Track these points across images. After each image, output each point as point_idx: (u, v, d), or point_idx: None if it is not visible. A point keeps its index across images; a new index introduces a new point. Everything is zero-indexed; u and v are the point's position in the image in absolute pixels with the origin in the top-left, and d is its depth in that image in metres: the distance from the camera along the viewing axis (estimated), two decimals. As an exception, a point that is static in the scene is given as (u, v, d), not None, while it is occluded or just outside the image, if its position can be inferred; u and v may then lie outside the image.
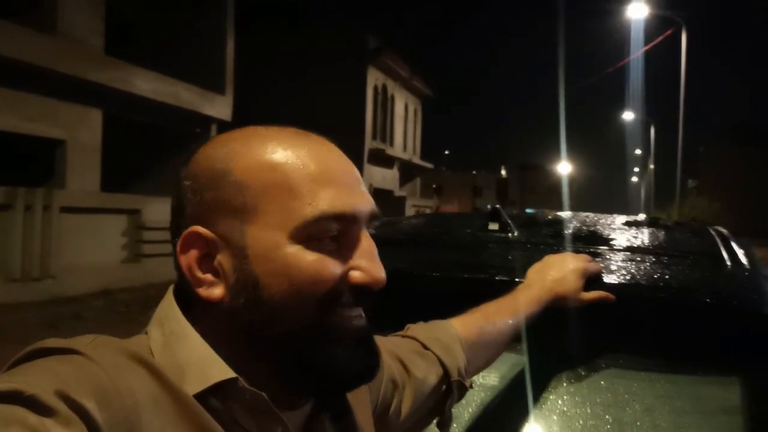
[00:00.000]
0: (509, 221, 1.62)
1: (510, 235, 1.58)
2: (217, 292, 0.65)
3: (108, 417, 0.52)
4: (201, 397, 0.62)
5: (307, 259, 0.64)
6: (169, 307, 0.68)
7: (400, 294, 1.36)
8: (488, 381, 1.24)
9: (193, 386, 0.62)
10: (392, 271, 1.35)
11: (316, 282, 0.64)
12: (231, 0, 15.71)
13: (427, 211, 26.85)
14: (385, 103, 26.58)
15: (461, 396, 1.03)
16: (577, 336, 1.21)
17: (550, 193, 61.98)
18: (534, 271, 1.23)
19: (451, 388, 1.00)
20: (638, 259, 1.37)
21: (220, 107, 15.31)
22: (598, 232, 1.66)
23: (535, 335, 1.16)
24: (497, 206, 1.66)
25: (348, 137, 22.99)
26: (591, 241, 1.53)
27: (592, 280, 1.21)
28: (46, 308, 9.08)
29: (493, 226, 1.61)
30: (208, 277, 0.65)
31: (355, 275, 0.66)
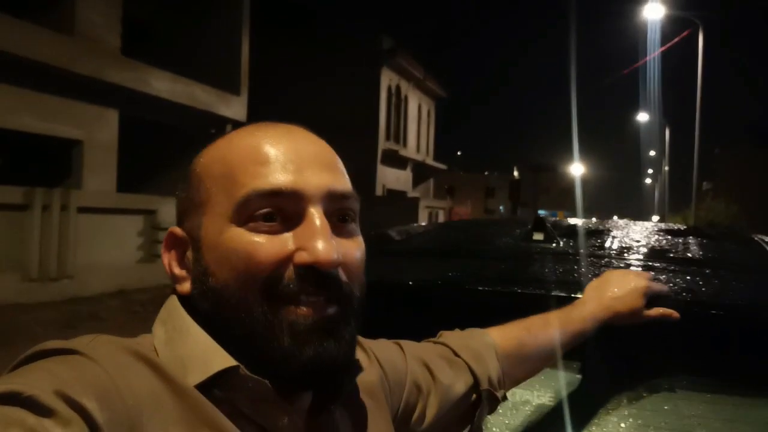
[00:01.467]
0: (554, 231, 1.57)
1: (555, 245, 1.53)
2: (186, 286, 0.67)
3: (109, 416, 0.52)
4: (204, 389, 0.61)
5: (244, 240, 0.62)
6: (171, 304, 0.68)
7: (446, 307, 1.32)
8: (543, 400, 1.19)
9: (195, 377, 0.61)
10: (439, 284, 1.32)
11: (252, 263, 0.62)
12: (246, 1, 15.73)
13: (441, 212, 26.76)
14: (398, 103, 26.55)
15: (493, 407, 1.00)
16: (638, 355, 1.16)
17: (563, 194, 61.69)
18: (592, 288, 1.19)
19: (481, 398, 0.97)
20: (696, 272, 1.32)
21: (235, 108, 15.33)
22: (645, 242, 1.61)
23: (594, 353, 1.11)
24: (541, 215, 1.61)
25: (361, 138, 23.04)
26: (640, 253, 1.48)
27: (655, 299, 1.15)
28: (63, 308, 9.12)
29: (538, 236, 1.55)
30: (182, 273, 0.68)
31: (298, 255, 0.62)
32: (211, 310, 0.64)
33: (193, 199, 0.67)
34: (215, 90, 14.52)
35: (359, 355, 0.80)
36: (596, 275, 1.24)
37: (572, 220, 1.95)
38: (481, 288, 1.29)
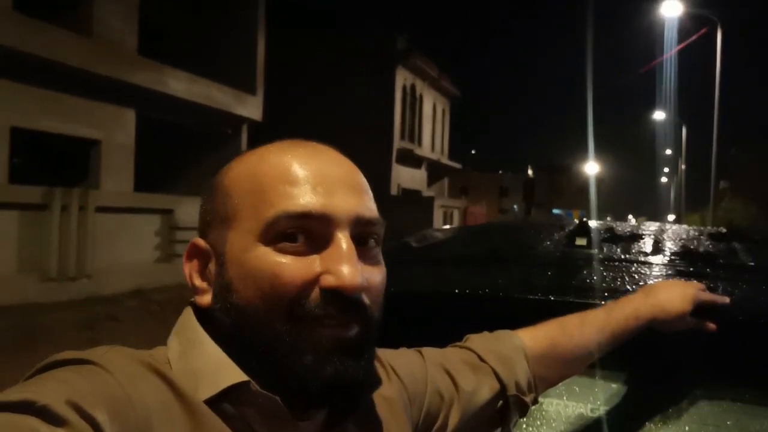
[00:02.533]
0: (594, 236, 1.54)
1: (598, 251, 1.50)
2: (207, 298, 0.67)
3: (120, 427, 0.52)
4: (215, 403, 0.61)
5: (271, 260, 0.63)
6: (186, 317, 0.69)
7: (490, 317, 1.29)
8: (580, 410, 1.17)
9: (206, 391, 0.61)
10: (483, 293, 1.28)
11: (278, 284, 0.62)
12: (262, 1, 15.77)
13: (456, 212, 26.70)
14: (413, 103, 26.53)
15: (523, 412, 0.97)
16: (682, 364, 1.13)
17: (578, 194, 61.36)
18: (640, 293, 1.15)
19: (509, 404, 0.94)
20: (744, 279, 1.28)
21: (251, 107, 15.39)
22: (688, 246, 1.57)
23: (635, 360, 1.08)
24: (584, 219, 1.57)
25: (376, 137, 23.05)
26: (685, 258, 1.44)
27: (702, 308, 1.12)
28: (82, 308, 9.18)
29: (581, 241, 1.52)
30: (204, 285, 0.68)
31: (324, 278, 0.63)
32: (231, 325, 0.64)
33: (219, 213, 0.67)
34: (231, 90, 14.58)
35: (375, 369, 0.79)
36: (646, 283, 1.21)
37: (595, 223, 1.90)
38: (531, 297, 1.26)
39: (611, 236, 1.63)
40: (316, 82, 23.02)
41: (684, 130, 39.76)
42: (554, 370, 1.03)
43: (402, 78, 24.76)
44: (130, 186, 12.09)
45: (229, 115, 14.65)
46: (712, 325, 1.10)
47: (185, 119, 13.78)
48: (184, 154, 14.60)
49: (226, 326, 0.64)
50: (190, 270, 0.69)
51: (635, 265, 1.38)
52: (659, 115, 40.82)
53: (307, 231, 0.64)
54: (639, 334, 1.06)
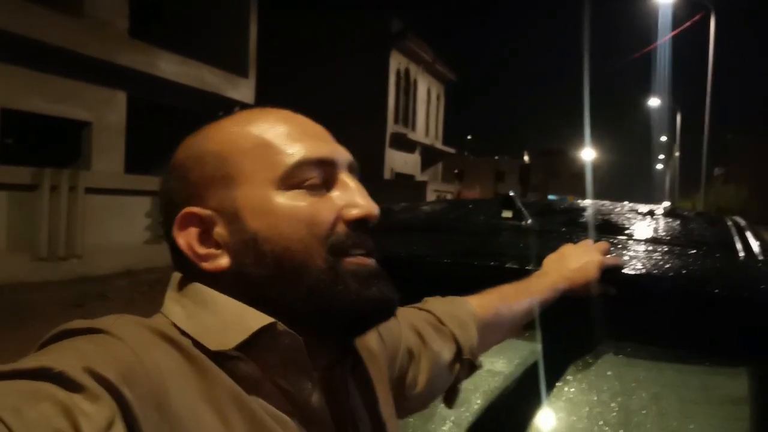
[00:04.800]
0: (523, 209, 1.63)
1: (524, 222, 1.59)
2: (223, 261, 0.67)
3: (136, 392, 0.53)
4: (230, 361, 0.62)
5: (300, 204, 0.67)
6: (184, 283, 0.69)
7: (414, 279, 1.38)
8: (495, 366, 1.26)
9: (232, 339, 0.62)
10: (407, 257, 1.38)
11: (313, 224, 0.67)
12: (254, -17, 15.69)
13: (449, 196, 26.79)
14: (407, 87, 26.46)
15: (470, 374, 1.04)
16: (585, 324, 1.22)
17: (574, 179, 61.41)
18: (551, 261, 1.25)
19: (463, 366, 1.01)
20: (650, 248, 1.38)
21: (244, 90, 15.36)
22: (613, 221, 1.67)
23: (544, 323, 1.17)
24: (511, 193, 1.66)
25: (370, 121, 23.02)
26: (604, 230, 1.54)
27: (608, 271, 1.22)
28: (72, 287, 9.24)
29: (507, 213, 1.61)
30: (212, 251, 0.67)
31: (351, 211, 0.69)
32: (265, 276, 0.66)
33: (216, 176, 0.68)
34: (223, 72, 14.54)
35: None
36: (554, 249, 1.30)
37: (553, 197, 1.99)
38: (446, 261, 1.36)
39: (542, 210, 1.72)
40: (310, 66, 22.93)
41: (678, 116, 39.77)
42: (493, 337, 1.11)
43: (396, 62, 24.68)
44: (121, 167, 12.09)
45: (221, 98, 14.62)
46: (612, 289, 1.21)
47: (177, 101, 13.76)
48: (175, 135, 14.32)
49: (255, 280, 0.66)
50: (186, 239, 0.67)
51: (551, 233, 1.47)
52: (654, 102, 40.80)
53: (321, 175, 0.69)
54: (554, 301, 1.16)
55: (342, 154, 0.72)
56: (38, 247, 9.71)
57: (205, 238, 0.68)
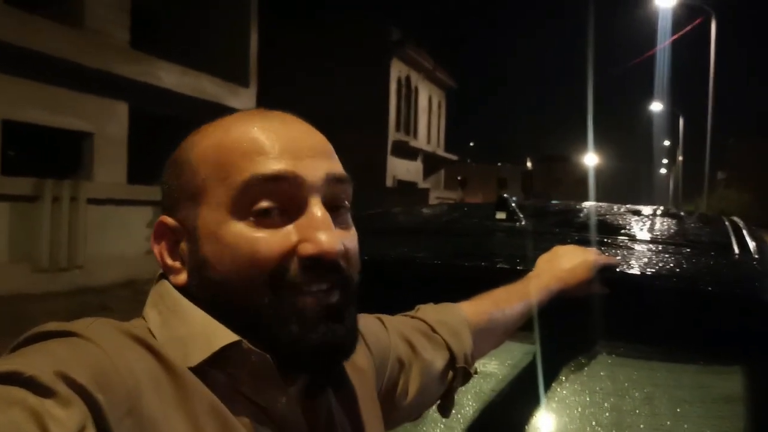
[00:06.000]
0: (517, 210, 1.62)
1: (517, 224, 1.58)
2: (182, 277, 0.66)
3: (108, 397, 0.52)
4: (203, 370, 0.61)
5: (247, 236, 0.62)
6: (162, 288, 0.68)
7: (406, 281, 1.37)
8: (487, 368, 1.25)
9: (198, 355, 0.61)
10: (398, 259, 1.37)
11: (256, 259, 0.62)
12: (254, -7, 15.77)
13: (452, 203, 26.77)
14: (408, 95, 26.52)
15: (464, 382, 1.02)
16: (578, 325, 1.21)
17: (577, 184, 61.34)
18: (543, 261, 1.23)
19: (456, 374, 0.99)
20: (644, 248, 1.36)
21: (244, 99, 15.40)
22: (607, 221, 1.65)
23: (538, 324, 1.16)
24: (504, 195, 1.65)
25: (371, 129, 23.06)
26: (599, 231, 1.53)
27: (600, 271, 1.21)
28: (73, 298, 9.25)
29: (500, 215, 1.60)
30: (176, 264, 0.67)
31: (305, 248, 0.63)
32: (211, 301, 0.64)
33: (187, 188, 0.66)
34: (224, 82, 14.59)
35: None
36: (547, 249, 1.29)
37: (553, 203, 1.99)
38: (436, 262, 1.35)
39: (536, 212, 1.71)
40: (311, 74, 23.00)
41: (681, 121, 39.74)
42: (488, 343, 1.10)
43: (397, 70, 24.75)
44: (122, 178, 12.13)
45: (223, 108, 14.66)
46: (606, 289, 1.20)
47: (178, 111, 13.79)
48: (176, 145, 14.60)
49: (206, 301, 0.64)
50: (160, 250, 0.67)
51: (544, 235, 1.46)
52: (656, 106, 40.80)
53: (279, 199, 0.63)
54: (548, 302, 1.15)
55: (312, 171, 0.65)
56: (40, 258, 9.72)
57: (174, 250, 0.67)
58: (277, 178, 0.63)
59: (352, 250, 0.68)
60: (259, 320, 0.62)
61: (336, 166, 0.68)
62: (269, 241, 0.62)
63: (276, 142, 0.65)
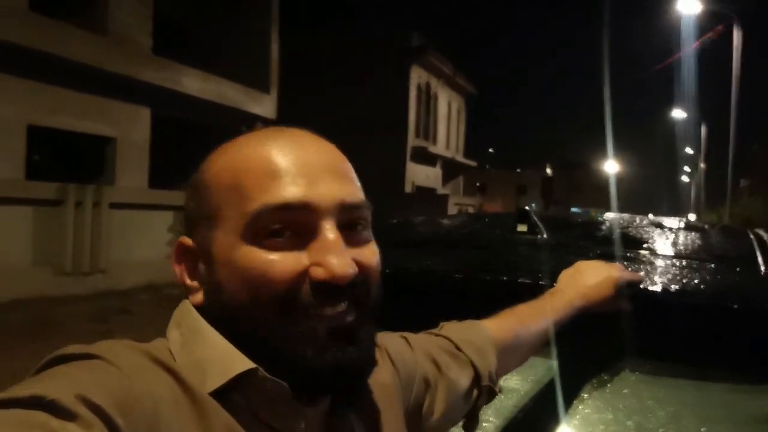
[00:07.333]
0: (539, 222, 1.61)
1: (539, 237, 1.57)
2: (199, 297, 0.67)
3: (128, 420, 0.52)
4: (222, 393, 0.61)
5: (258, 259, 0.62)
6: (185, 308, 0.68)
7: (428, 293, 1.37)
8: (509, 383, 1.24)
9: (215, 381, 0.61)
10: (419, 272, 1.37)
11: (267, 283, 0.62)
12: (275, 0, 15.87)
13: (470, 209, 26.69)
14: (428, 101, 26.53)
15: (489, 400, 1.01)
16: (602, 341, 1.19)
17: (597, 192, 60.86)
18: (566, 276, 1.23)
19: (481, 393, 0.98)
20: (668, 263, 1.35)
21: (266, 105, 15.50)
22: (631, 234, 1.63)
23: (559, 339, 1.15)
24: (525, 208, 1.64)
25: (391, 135, 23.09)
26: (621, 245, 1.51)
27: (625, 288, 1.19)
28: (95, 302, 9.35)
29: (522, 228, 1.59)
30: (195, 284, 0.68)
31: (314, 271, 0.62)
32: (225, 323, 0.64)
33: (203, 211, 0.67)
34: (245, 88, 14.69)
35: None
36: (569, 264, 1.27)
37: (576, 210, 1.97)
38: (457, 275, 1.34)
39: (558, 224, 1.70)
40: (331, 80, 23.10)
41: (703, 128, 39.31)
42: (513, 360, 1.09)
43: (416, 76, 24.78)
44: (144, 182, 12.25)
45: (243, 113, 14.76)
46: (629, 305, 1.18)
47: (200, 117, 13.92)
48: (198, 150, 14.59)
49: (222, 323, 0.64)
50: (180, 271, 0.68)
51: (566, 248, 1.45)
52: (679, 113, 40.39)
53: (291, 224, 0.63)
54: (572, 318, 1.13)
55: (325, 197, 0.64)
56: (63, 262, 9.82)
57: (193, 270, 0.68)
58: (286, 208, 0.63)
59: (370, 267, 0.67)
60: (271, 343, 0.62)
61: (351, 191, 0.67)
62: (281, 264, 0.62)
63: (288, 164, 0.64)
